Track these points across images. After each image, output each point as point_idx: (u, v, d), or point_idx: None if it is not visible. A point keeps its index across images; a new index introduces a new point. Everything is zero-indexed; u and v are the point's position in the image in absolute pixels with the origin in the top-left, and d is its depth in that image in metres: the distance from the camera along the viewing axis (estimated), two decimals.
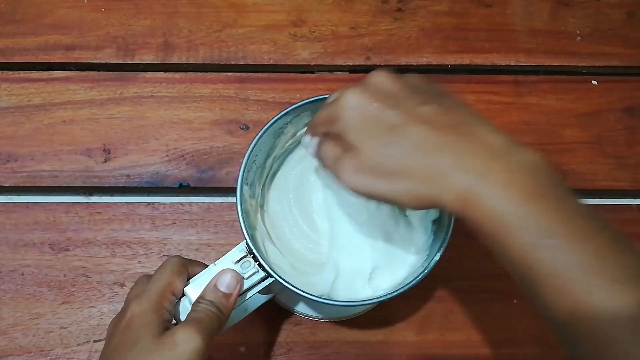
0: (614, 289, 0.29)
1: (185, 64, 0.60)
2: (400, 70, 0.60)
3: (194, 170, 0.57)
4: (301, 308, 0.52)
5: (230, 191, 0.57)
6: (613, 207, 0.58)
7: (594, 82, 0.62)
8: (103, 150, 0.57)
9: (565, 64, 0.62)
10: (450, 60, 0.61)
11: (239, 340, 0.52)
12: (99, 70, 0.60)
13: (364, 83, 0.37)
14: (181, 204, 0.56)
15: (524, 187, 0.31)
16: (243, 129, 0.58)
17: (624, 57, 0.62)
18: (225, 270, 0.41)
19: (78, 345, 0.52)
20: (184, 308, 0.40)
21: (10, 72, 0.59)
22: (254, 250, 0.41)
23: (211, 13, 0.62)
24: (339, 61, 0.61)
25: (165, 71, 0.60)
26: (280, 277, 0.41)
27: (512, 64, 0.62)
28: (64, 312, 0.53)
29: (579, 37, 0.63)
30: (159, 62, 0.60)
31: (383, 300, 0.42)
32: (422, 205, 0.34)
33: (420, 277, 0.41)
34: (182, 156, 0.57)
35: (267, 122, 0.45)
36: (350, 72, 0.61)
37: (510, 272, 0.33)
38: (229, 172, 0.57)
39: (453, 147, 0.33)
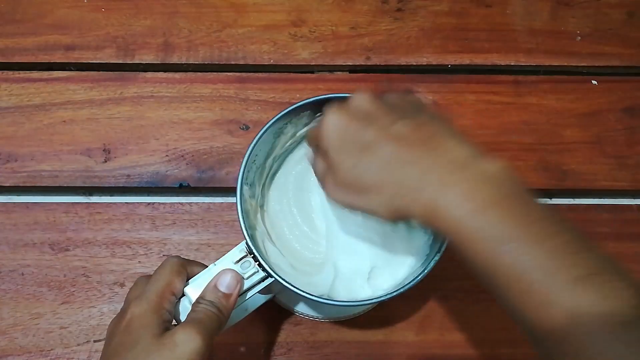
0: (573, 288, 0.30)
1: (185, 64, 0.60)
2: (401, 70, 0.61)
3: (194, 170, 0.57)
4: (301, 308, 0.52)
5: (230, 191, 0.57)
6: (613, 207, 0.58)
7: (594, 82, 0.62)
8: (103, 150, 0.57)
9: (565, 64, 0.62)
10: (450, 60, 0.61)
11: (239, 340, 0.52)
12: (99, 70, 0.60)
13: (346, 104, 0.39)
14: (181, 204, 0.56)
15: (483, 196, 0.32)
16: (243, 129, 0.58)
17: (624, 57, 0.62)
18: (225, 271, 0.41)
19: (78, 345, 0.52)
20: (184, 308, 0.40)
21: (10, 72, 0.59)
22: (254, 250, 0.41)
23: (211, 13, 0.62)
24: (339, 61, 0.61)
25: (165, 71, 0.60)
26: (280, 277, 0.41)
27: (512, 64, 0.62)
28: (64, 312, 0.53)
29: (579, 37, 0.63)
30: (159, 62, 0.60)
31: (383, 300, 0.42)
32: (398, 218, 0.36)
33: (420, 277, 0.41)
34: (182, 156, 0.57)
35: (267, 122, 0.45)
36: (350, 72, 0.61)
37: (479, 280, 0.34)
38: (229, 172, 0.57)
39: (420, 162, 0.35)
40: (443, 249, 0.42)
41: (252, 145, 0.44)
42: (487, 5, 0.64)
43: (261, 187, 0.49)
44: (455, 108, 0.60)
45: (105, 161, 0.57)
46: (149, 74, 0.60)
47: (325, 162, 0.39)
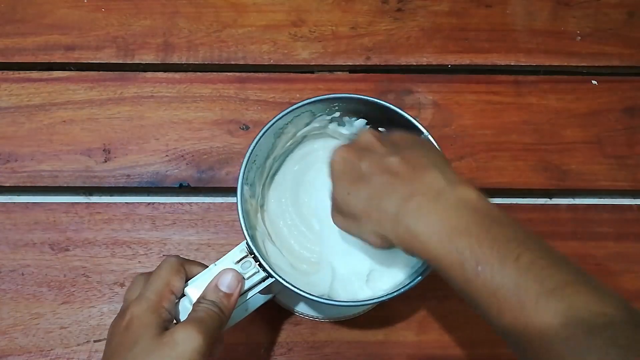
0: (542, 302, 0.31)
1: (185, 64, 0.60)
2: (401, 70, 0.61)
3: (194, 170, 0.57)
4: (301, 308, 0.52)
5: (230, 191, 0.57)
6: (613, 207, 0.58)
7: (594, 82, 0.62)
8: (103, 150, 0.57)
9: (565, 64, 0.62)
10: (451, 60, 0.61)
11: (239, 340, 0.52)
12: (99, 70, 0.60)
13: (353, 141, 0.43)
14: (181, 204, 0.56)
15: (456, 222, 0.35)
16: (243, 129, 0.58)
17: (624, 57, 0.62)
18: (226, 270, 0.41)
19: (78, 345, 0.52)
20: (184, 308, 0.40)
21: (10, 72, 0.59)
22: (255, 251, 0.41)
23: (211, 13, 0.62)
24: (339, 61, 0.61)
25: (165, 71, 0.60)
26: (281, 277, 0.41)
27: (512, 64, 0.62)
28: (64, 312, 0.53)
29: (579, 37, 0.63)
30: (159, 62, 0.60)
31: (383, 300, 0.42)
32: (386, 244, 0.39)
33: (420, 278, 0.42)
34: (182, 156, 0.57)
35: (268, 122, 0.45)
36: (350, 72, 0.61)
37: (462, 299, 0.36)
38: (229, 172, 0.57)
39: (400, 190, 0.37)
40: None
41: (252, 145, 0.44)
42: (487, 5, 0.64)
43: (261, 187, 0.49)
44: (455, 108, 0.60)
45: (105, 161, 0.57)
46: (149, 74, 0.60)
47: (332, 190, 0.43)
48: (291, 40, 0.61)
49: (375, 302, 0.45)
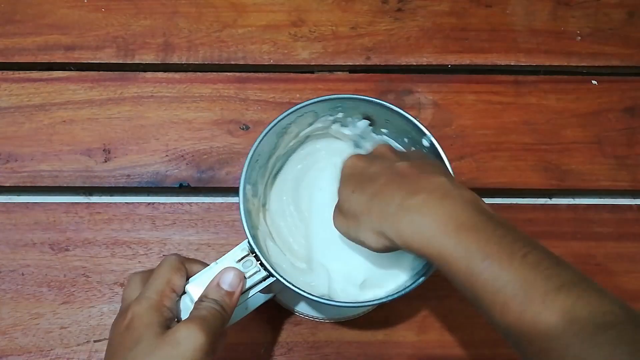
0: (549, 298, 0.31)
1: (185, 64, 0.60)
2: (401, 70, 0.61)
3: (194, 170, 0.57)
4: (302, 308, 0.52)
5: (230, 191, 0.57)
6: (613, 207, 0.58)
7: (594, 82, 0.62)
8: (103, 150, 0.57)
9: (565, 64, 0.62)
10: (451, 60, 0.61)
11: (239, 340, 0.52)
12: (99, 70, 0.60)
13: (368, 152, 0.47)
14: (181, 204, 0.56)
15: (460, 219, 0.35)
16: (243, 129, 0.58)
17: (624, 57, 0.62)
18: (227, 269, 0.41)
19: (78, 345, 0.52)
20: (185, 306, 0.40)
21: (10, 72, 0.59)
22: (256, 250, 0.41)
23: (211, 13, 0.62)
24: (339, 61, 0.61)
25: (165, 71, 0.60)
26: (282, 277, 0.41)
27: (512, 64, 0.62)
28: (64, 312, 0.53)
29: (579, 37, 0.63)
30: (159, 62, 0.60)
31: (385, 302, 0.42)
32: (384, 244, 0.39)
33: (423, 278, 0.41)
34: (182, 156, 0.57)
35: (271, 122, 0.45)
36: (350, 72, 0.61)
37: (463, 296, 0.35)
38: (229, 172, 0.57)
39: (407, 188, 0.38)
40: None
41: (255, 144, 0.44)
42: (487, 5, 0.64)
43: (264, 186, 0.49)
44: (455, 108, 0.60)
45: (105, 161, 0.57)
46: (149, 74, 0.60)
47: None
48: (291, 40, 0.61)
49: (377, 304, 0.45)
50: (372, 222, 0.39)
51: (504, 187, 0.58)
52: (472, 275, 0.34)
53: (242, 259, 0.42)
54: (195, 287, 0.40)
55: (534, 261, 0.33)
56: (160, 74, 0.60)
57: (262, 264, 0.42)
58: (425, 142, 0.45)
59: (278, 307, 0.53)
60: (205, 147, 0.57)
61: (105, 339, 0.52)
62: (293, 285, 0.41)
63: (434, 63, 0.61)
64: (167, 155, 0.57)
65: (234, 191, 0.57)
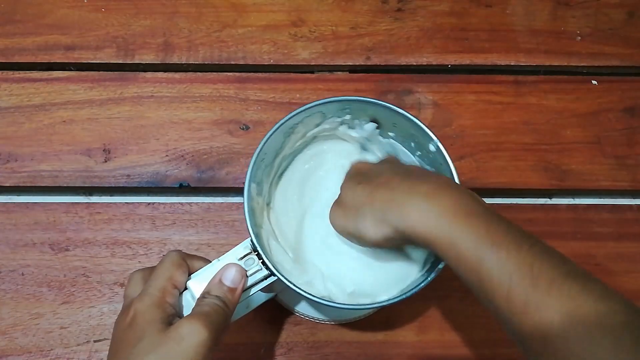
0: (554, 288, 0.32)
1: (185, 64, 0.60)
2: (401, 70, 0.61)
3: (194, 170, 0.57)
4: (302, 308, 0.52)
5: (230, 191, 0.57)
6: (613, 207, 0.58)
7: (594, 82, 0.62)
8: (103, 150, 0.57)
9: (565, 64, 0.62)
10: (450, 60, 0.61)
11: (239, 340, 0.52)
12: (99, 70, 0.60)
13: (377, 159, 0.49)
14: (181, 204, 0.56)
15: (467, 208, 0.36)
16: (243, 129, 0.58)
17: (624, 57, 0.62)
18: (229, 265, 0.41)
19: (78, 345, 0.52)
20: (187, 302, 0.40)
21: (10, 72, 0.59)
22: (258, 248, 0.41)
23: (211, 13, 0.62)
24: (339, 61, 0.61)
25: (165, 71, 0.60)
26: (283, 276, 0.41)
27: (512, 64, 0.62)
28: (64, 312, 0.53)
29: (579, 37, 0.63)
30: (159, 62, 0.60)
31: (386, 305, 0.42)
32: (384, 232, 0.39)
33: (424, 284, 0.41)
34: (182, 156, 0.57)
35: (279, 121, 0.44)
36: (350, 72, 0.61)
37: (467, 285, 0.36)
38: (229, 172, 0.57)
39: (413, 180, 0.40)
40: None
41: (262, 143, 0.44)
42: (487, 5, 0.64)
43: (269, 185, 0.49)
44: (455, 108, 0.60)
45: (105, 161, 0.57)
46: (149, 74, 0.60)
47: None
48: (291, 40, 0.61)
49: (378, 307, 0.45)
50: (375, 211, 0.39)
51: (504, 187, 0.58)
52: (479, 261, 0.34)
53: (244, 256, 0.42)
54: (197, 284, 0.40)
55: (539, 251, 0.33)
56: (160, 74, 0.60)
57: (263, 263, 0.42)
58: (431, 147, 0.45)
59: (278, 307, 0.53)
60: (205, 147, 0.57)
61: (105, 339, 0.52)
62: (294, 285, 0.41)
63: (434, 63, 0.61)
64: (167, 155, 0.57)
65: (234, 191, 0.57)
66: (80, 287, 0.53)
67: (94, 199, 0.58)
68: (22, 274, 0.53)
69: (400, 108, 0.45)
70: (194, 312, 0.38)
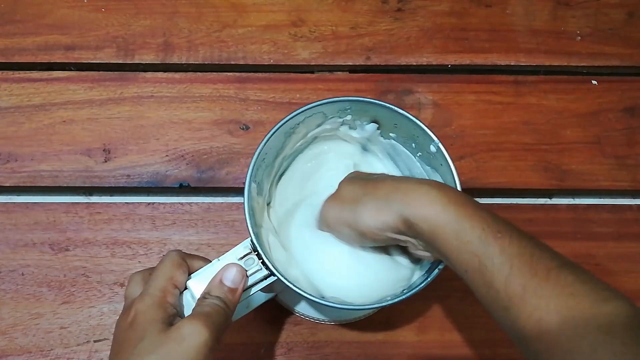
0: (550, 277, 0.33)
1: (185, 64, 0.60)
2: (401, 70, 0.61)
3: (194, 170, 0.57)
4: (302, 308, 0.52)
5: (230, 191, 0.57)
6: (613, 207, 0.58)
7: (594, 82, 0.62)
8: (103, 150, 0.57)
9: (565, 64, 0.62)
10: (450, 60, 0.61)
11: (239, 340, 0.52)
12: (99, 70, 0.60)
13: None
14: (181, 204, 0.56)
15: (471, 200, 0.38)
16: (243, 129, 0.58)
17: (624, 57, 0.62)
18: (230, 265, 0.40)
19: (78, 345, 0.52)
20: (187, 302, 0.40)
21: (10, 72, 0.59)
22: (258, 248, 0.41)
23: (211, 13, 0.62)
24: (339, 61, 0.61)
25: (165, 71, 0.60)
26: (283, 276, 0.41)
27: (512, 64, 0.62)
28: (64, 312, 0.53)
29: (579, 37, 0.63)
30: (159, 62, 0.60)
31: (387, 305, 0.42)
32: (384, 219, 0.39)
33: (424, 284, 0.41)
34: (182, 156, 0.57)
35: (280, 121, 0.44)
36: (350, 72, 0.61)
37: (463, 274, 0.36)
38: (229, 172, 0.57)
39: (413, 178, 0.44)
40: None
41: (262, 142, 0.44)
42: (487, 5, 0.64)
43: (269, 185, 0.49)
44: (455, 108, 0.60)
45: (105, 161, 0.57)
46: (149, 74, 0.60)
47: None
48: (291, 40, 0.61)
49: (379, 307, 0.45)
50: (378, 199, 0.39)
51: (504, 187, 0.58)
52: (484, 244, 0.35)
53: (244, 256, 0.42)
54: (197, 283, 0.40)
55: (538, 244, 0.35)
56: (160, 74, 0.60)
57: (263, 263, 0.42)
58: (432, 148, 0.45)
59: (278, 307, 0.53)
60: (205, 147, 0.57)
61: (105, 339, 0.52)
62: (294, 285, 0.41)
63: (434, 63, 0.61)
64: (167, 155, 0.57)
65: (234, 191, 0.57)
66: (80, 287, 0.53)
67: (94, 199, 0.57)
68: (22, 274, 0.53)
69: (401, 108, 0.45)
70: (195, 313, 0.38)
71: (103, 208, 0.56)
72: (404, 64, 0.61)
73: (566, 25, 0.63)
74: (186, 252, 0.42)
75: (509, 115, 0.60)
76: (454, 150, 0.58)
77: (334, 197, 0.44)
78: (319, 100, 0.45)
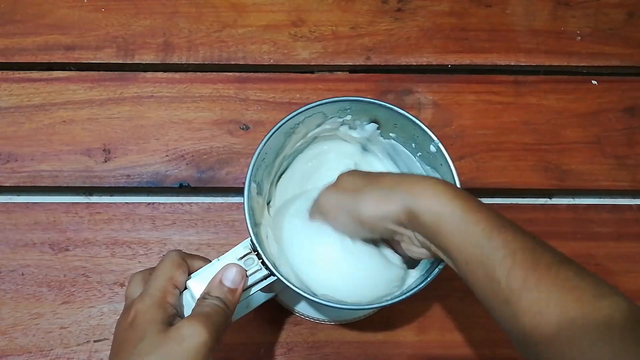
0: (551, 271, 0.33)
1: (185, 64, 0.60)
2: (401, 70, 0.61)
3: (194, 170, 0.57)
4: (302, 308, 0.52)
5: (230, 191, 0.57)
6: (613, 207, 0.58)
7: (594, 82, 0.62)
8: (103, 150, 0.57)
9: (565, 64, 0.62)
10: (450, 60, 0.61)
11: (239, 340, 0.52)
12: (99, 70, 0.60)
13: None
14: (181, 204, 0.56)
15: (471, 198, 0.37)
16: (243, 129, 0.58)
17: (624, 57, 0.62)
18: (229, 265, 0.40)
19: (78, 345, 0.52)
20: (187, 302, 0.40)
21: (10, 72, 0.59)
22: (258, 248, 0.41)
23: (211, 13, 0.62)
24: (339, 61, 0.61)
25: (165, 71, 0.60)
26: (282, 276, 0.41)
27: (512, 64, 0.62)
28: (64, 312, 0.53)
29: (579, 37, 0.63)
30: (159, 62, 0.60)
31: (387, 305, 0.42)
32: (385, 208, 0.38)
33: (424, 284, 0.41)
34: (182, 156, 0.57)
35: (279, 121, 0.44)
36: (350, 72, 0.61)
37: (468, 261, 0.36)
38: (229, 172, 0.57)
39: (416, 174, 0.44)
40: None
41: (262, 142, 0.44)
42: (487, 5, 0.64)
43: (269, 184, 0.49)
44: (455, 108, 0.60)
45: (105, 161, 0.57)
46: (149, 74, 0.60)
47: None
48: (291, 40, 0.61)
49: (380, 307, 0.45)
50: (382, 189, 0.39)
51: (504, 187, 0.58)
52: (488, 237, 0.35)
53: (244, 256, 0.42)
54: (197, 283, 0.40)
55: (540, 241, 0.35)
56: (160, 74, 0.60)
57: (263, 263, 0.42)
58: (432, 148, 0.45)
59: (278, 307, 0.53)
60: (205, 147, 0.57)
61: (105, 339, 0.52)
62: (293, 285, 0.41)
63: (434, 63, 0.61)
64: (167, 155, 0.57)
65: (234, 191, 0.57)
66: (80, 287, 0.53)
67: (94, 199, 0.58)
68: (22, 274, 0.53)
69: (401, 108, 0.45)
70: (195, 313, 0.38)
71: (103, 208, 0.56)
72: (404, 64, 0.61)
73: (566, 25, 0.63)
74: (186, 252, 0.42)
75: (509, 115, 0.60)
76: (454, 150, 0.58)
77: (333, 186, 0.43)
78: (319, 100, 0.45)
